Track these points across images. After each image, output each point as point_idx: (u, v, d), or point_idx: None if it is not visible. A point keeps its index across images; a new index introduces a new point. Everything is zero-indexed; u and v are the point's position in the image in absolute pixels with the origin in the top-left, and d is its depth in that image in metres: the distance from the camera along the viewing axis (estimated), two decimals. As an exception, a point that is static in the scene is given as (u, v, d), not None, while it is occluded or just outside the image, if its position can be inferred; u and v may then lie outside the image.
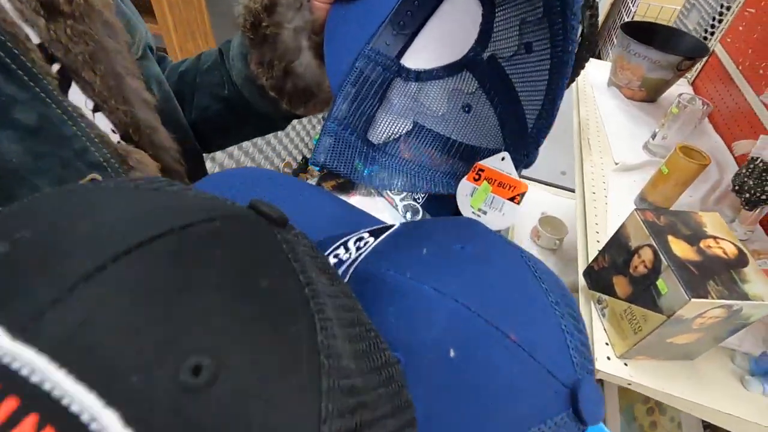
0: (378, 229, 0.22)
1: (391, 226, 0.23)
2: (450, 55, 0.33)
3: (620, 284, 0.49)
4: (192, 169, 0.38)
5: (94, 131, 0.26)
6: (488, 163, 0.28)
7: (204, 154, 0.48)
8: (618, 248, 0.50)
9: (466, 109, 0.33)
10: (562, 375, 0.16)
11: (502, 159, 0.27)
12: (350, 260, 0.20)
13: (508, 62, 0.30)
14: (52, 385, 0.09)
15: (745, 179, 0.61)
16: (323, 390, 0.11)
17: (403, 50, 0.34)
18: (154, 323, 0.10)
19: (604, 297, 0.52)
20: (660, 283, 0.43)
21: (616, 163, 0.77)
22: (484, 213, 0.28)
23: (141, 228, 0.11)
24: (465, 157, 0.33)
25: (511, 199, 0.27)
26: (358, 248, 0.21)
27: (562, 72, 0.22)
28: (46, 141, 0.23)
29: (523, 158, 0.26)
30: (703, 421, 0.68)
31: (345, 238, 0.22)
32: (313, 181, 1.21)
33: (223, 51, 0.40)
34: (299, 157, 1.62)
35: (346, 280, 0.19)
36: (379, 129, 0.34)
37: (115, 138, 0.29)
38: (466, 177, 0.30)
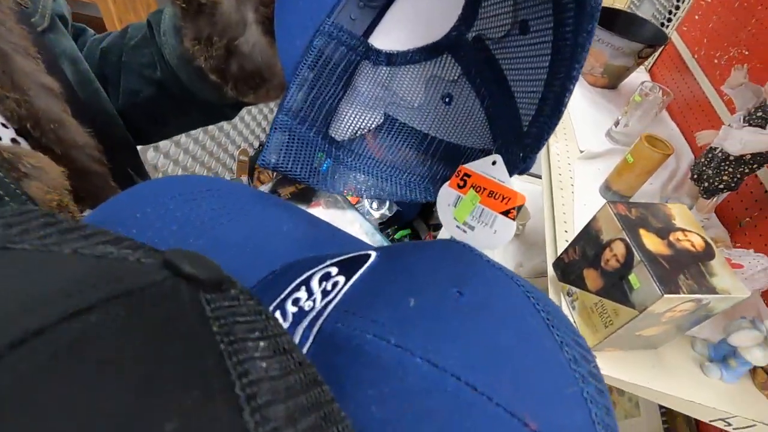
0: (348, 260, 0.18)
1: (366, 256, 0.18)
2: (428, 35, 0.28)
3: (591, 277, 0.48)
4: (120, 167, 0.32)
5: None
6: (476, 167, 0.24)
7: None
8: (589, 241, 0.49)
9: (447, 100, 0.29)
10: None
11: (493, 163, 0.23)
12: (315, 313, 0.15)
13: (498, 45, 0.26)
14: None
15: (704, 168, 0.62)
16: None
17: (371, 27, 0.29)
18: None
19: (574, 290, 0.51)
20: (632, 277, 0.42)
21: (581, 151, 0.77)
22: (471, 228, 0.24)
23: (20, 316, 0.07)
24: (447, 158, 0.29)
25: (505, 213, 0.23)
26: (324, 292, 0.16)
27: (574, 58, 0.18)
28: None
29: (519, 163, 0.23)
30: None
31: (307, 274, 0.17)
32: (266, 186, 1.10)
33: (152, 23, 0.33)
34: (256, 144, 1.52)
35: (309, 343, 0.15)
36: (343, 123, 0.29)
37: (7, 135, 0.23)
38: (448, 183, 0.26)
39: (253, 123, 1.47)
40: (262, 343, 0.10)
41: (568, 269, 0.53)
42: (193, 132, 1.08)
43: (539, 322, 0.15)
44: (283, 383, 0.09)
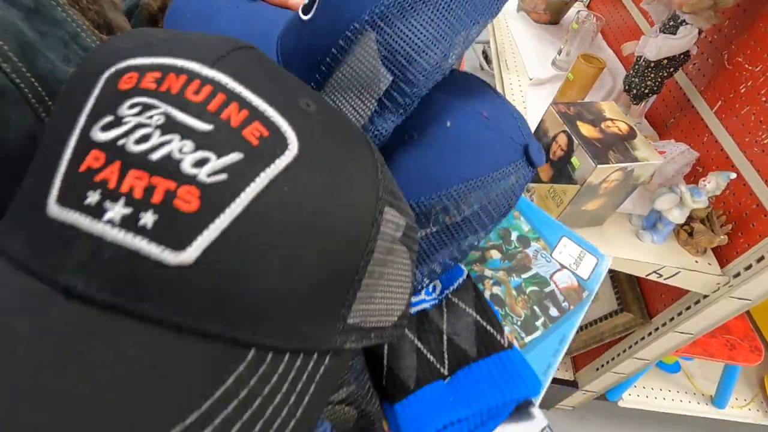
0: None
1: None
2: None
3: (543, 171, 0.58)
4: None
5: (80, 18, 0.27)
6: None
7: None
8: (539, 139, 0.58)
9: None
10: (517, 138, 0.23)
11: None
12: None
13: None
14: (246, 96, 0.14)
15: (632, 79, 0.72)
16: (379, 165, 0.17)
17: None
18: (278, 81, 0.16)
19: (531, 185, 0.61)
20: (574, 159, 0.52)
21: (531, 79, 0.86)
22: None
23: (223, 42, 0.16)
24: None
25: None
26: None
27: None
28: (45, 21, 0.24)
29: None
30: (610, 273, 0.84)
31: None
32: None
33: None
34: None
35: None
36: None
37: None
38: None
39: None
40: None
41: (526, 170, 0.63)
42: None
43: (488, 86, 0.25)
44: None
